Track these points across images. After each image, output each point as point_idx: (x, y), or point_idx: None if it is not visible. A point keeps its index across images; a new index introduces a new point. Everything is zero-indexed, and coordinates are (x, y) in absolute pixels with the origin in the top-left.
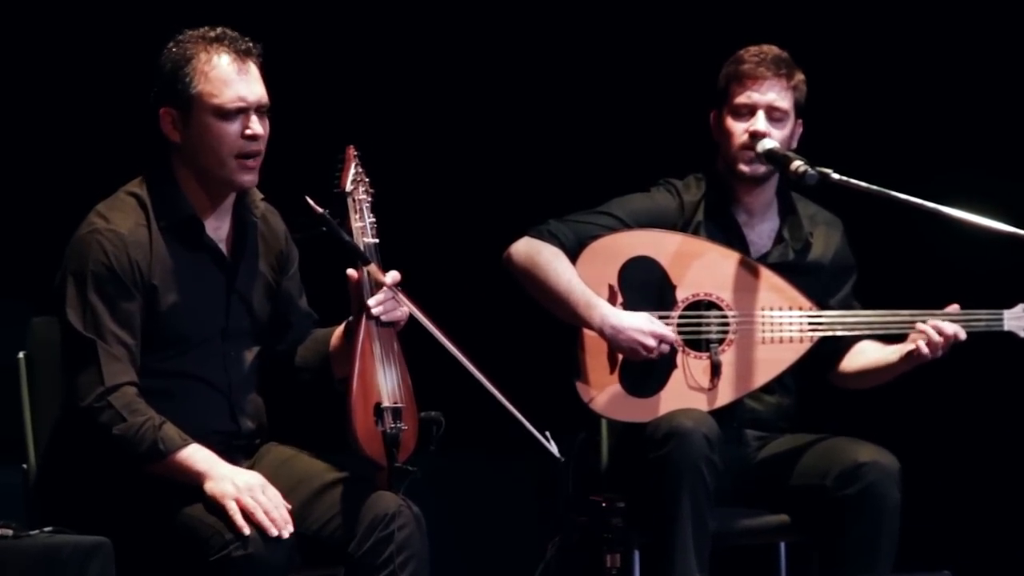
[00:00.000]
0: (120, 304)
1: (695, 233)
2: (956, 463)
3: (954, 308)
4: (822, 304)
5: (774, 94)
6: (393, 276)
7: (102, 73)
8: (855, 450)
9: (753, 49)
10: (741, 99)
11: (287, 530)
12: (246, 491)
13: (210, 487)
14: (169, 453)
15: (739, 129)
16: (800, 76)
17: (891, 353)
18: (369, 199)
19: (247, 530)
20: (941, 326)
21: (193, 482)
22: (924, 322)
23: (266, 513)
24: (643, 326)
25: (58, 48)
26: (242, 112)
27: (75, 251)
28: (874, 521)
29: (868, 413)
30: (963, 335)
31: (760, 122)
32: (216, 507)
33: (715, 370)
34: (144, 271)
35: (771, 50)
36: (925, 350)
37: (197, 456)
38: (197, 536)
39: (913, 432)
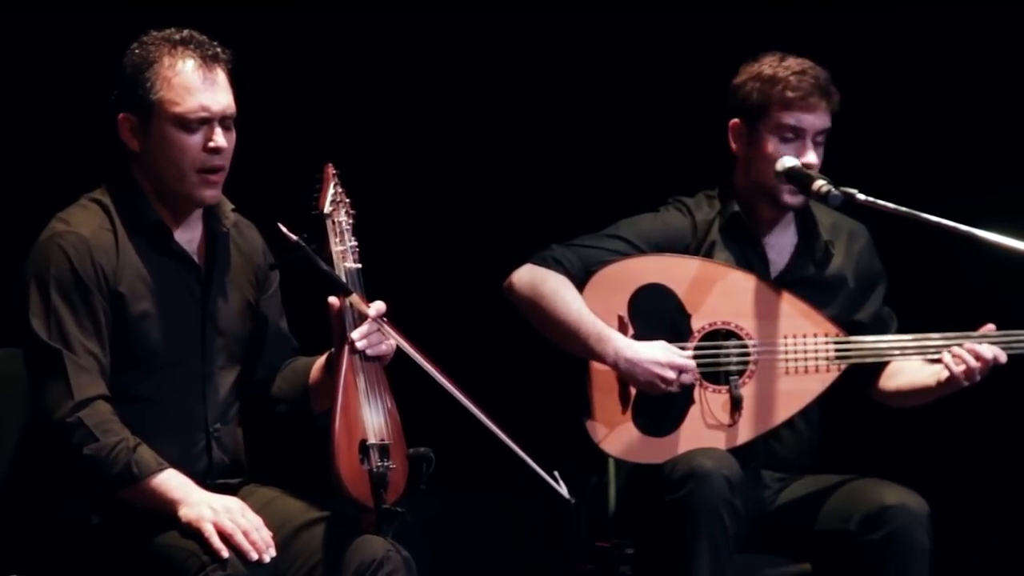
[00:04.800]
0: (85, 311)
1: (709, 253)
2: (990, 506)
3: (989, 328)
4: (851, 321)
5: (823, 121)
6: (378, 307)
7: (62, 84)
8: (880, 492)
9: (794, 66)
10: (788, 120)
11: (269, 554)
12: (224, 513)
13: (185, 512)
14: (143, 478)
15: (785, 154)
16: (837, 95)
17: (928, 377)
18: (350, 221)
19: (225, 553)
20: (978, 350)
21: (166, 509)
22: (960, 345)
23: (246, 535)
24: (660, 357)
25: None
26: (205, 123)
27: (36, 257)
28: (901, 569)
29: (896, 451)
30: (1003, 358)
31: (810, 154)
32: (192, 532)
33: (735, 404)
34: (109, 276)
35: (816, 72)
36: (960, 376)
37: (172, 482)
38: (172, 561)
39: (944, 472)
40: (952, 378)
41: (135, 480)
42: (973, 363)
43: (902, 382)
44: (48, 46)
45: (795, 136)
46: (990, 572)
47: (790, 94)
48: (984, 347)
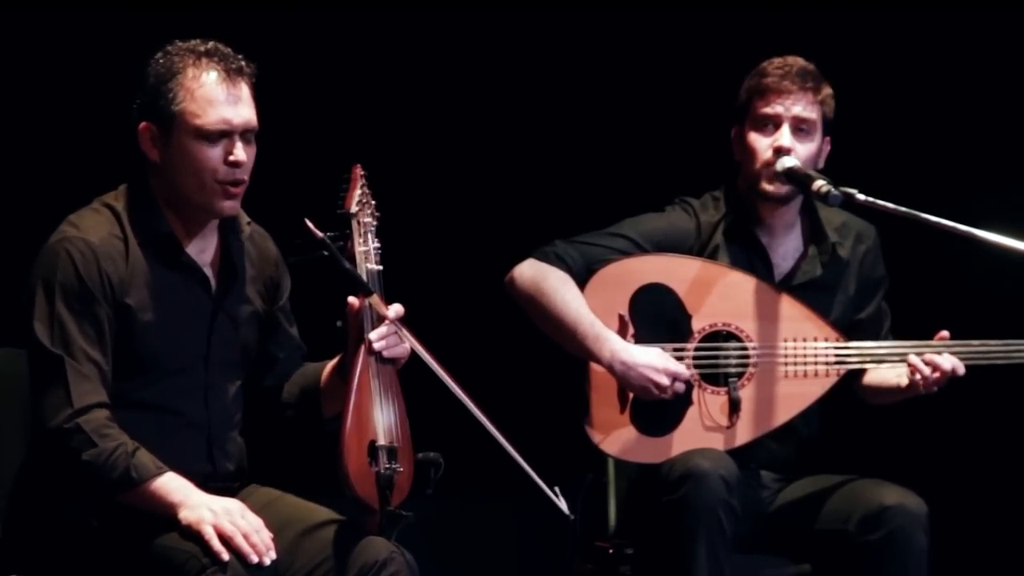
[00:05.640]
0: (89, 319)
1: (713, 256)
2: (989, 507)
3: (944, 334)
4: (851, 320)
5: (800, 107)
6: (396, 310)
7: (75, 88)
8: (879, 492)
9: (777, 61)
10: (765, 111)
11: (269, 556)
12: (224, 515)
13: (184, 515)
14: (142, 482)
15: (763, 144)
16: (828, 90)
17: (892, 379)
18: (374, 223)
19: (226, 555)
20: (936, 361)
21: (166, 513)
22: (939, 353)
23: (246, 538)
24: (656, 363)
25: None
26: (225, 136)
27: (43, 260)
28: (900, 569)
29: (895, 451)
30: (961, 370)
31: (785, 137)
32: (192, 534)
33: (734, 406)
34: (115, 285)
35: (796, 62)
36: (917, 385)
37: (171, 485)
38: (171, 563)
39: (943, 472)
40: (911, 385)
41: (134, 484)
42: (929, 374)
43: (872, 380)
44: (64, 47)
45: (773, 125)
46: (989, 572)
47: (765, 81)
48: (943, 358)
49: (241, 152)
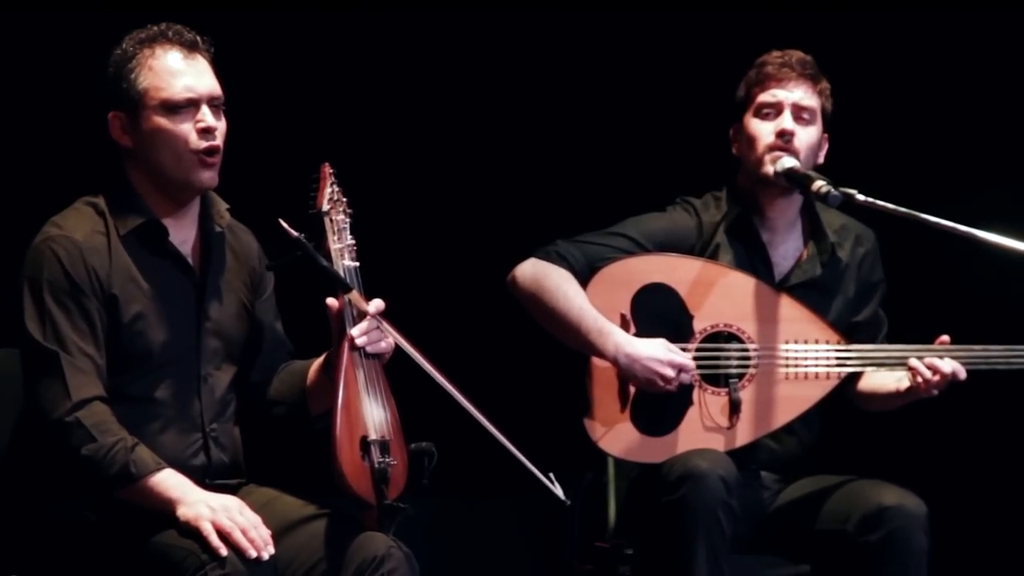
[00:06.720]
0: (80, 314)
1: (714, 255)
2: (988, 507)
3: (945, 339)
4: (849, 323)
5: (800, 93)
6: (377, 304)
7: (63, 86)
8: (879, 493)
9: (776, 52)
10: (765, 98)
11: (267, 551)
12: (222, 512)
13: (183, 511)
14: (141, 478)
15: (765, 130)
16: (826, 84)
17: (893, 382)
18: (347, 219)
19: (224, 551)
20: (937, 365)
21: (164, 509)
22: (941, 358)
23: (244, 533)
24: (661, 355)
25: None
26: (192, 104)
27: (29, 260)
28: (900, 570)
29: (895, 453)
30: (962, 374)
31: (787, 121)
32: (190, 531)
33: (734, 407)
34: (103, 279)
35: (795, 53)
36: (918, 388)
37: (170, 481)
38: (170, 560)
39: (943, 473)
40: (910, 389)
41: (133, 480)
42: (930, 377)
43: (869, 384)
44: (47, 47)
45: (774, 112)
46: (989, 573)
47: (765, 70)
48: (944, 362)
49: (211, 118)
